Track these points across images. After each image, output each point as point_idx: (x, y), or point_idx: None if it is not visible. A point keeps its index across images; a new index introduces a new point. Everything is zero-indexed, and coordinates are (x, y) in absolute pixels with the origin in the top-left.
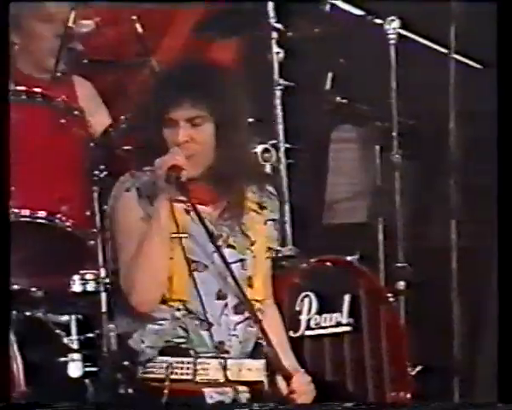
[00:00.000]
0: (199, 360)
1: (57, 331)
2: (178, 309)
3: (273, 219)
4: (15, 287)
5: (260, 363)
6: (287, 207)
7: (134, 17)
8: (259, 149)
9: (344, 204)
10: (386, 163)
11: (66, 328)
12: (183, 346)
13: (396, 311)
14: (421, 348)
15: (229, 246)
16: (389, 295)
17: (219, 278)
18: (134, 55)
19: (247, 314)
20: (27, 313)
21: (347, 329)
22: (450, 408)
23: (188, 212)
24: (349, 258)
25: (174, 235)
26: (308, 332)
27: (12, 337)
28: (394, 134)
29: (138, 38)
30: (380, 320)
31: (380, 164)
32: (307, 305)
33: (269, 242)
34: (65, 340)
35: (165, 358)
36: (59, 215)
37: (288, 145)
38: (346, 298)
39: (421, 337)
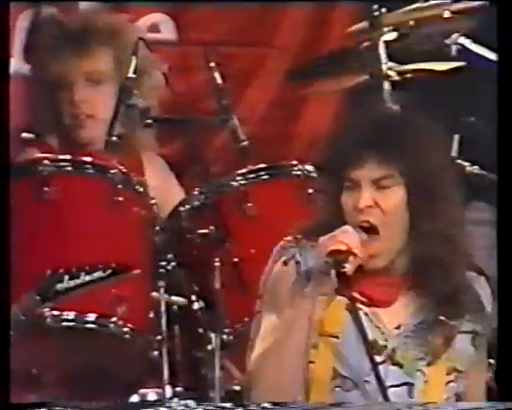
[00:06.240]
0: None
1: None
2: None
3: (471, 332)
4: None
5: None
6: None
7: (212, 64)
8: None
9: None
10: None
11: None
12: None
13: None
14: None
15: (396, 364)
16: None
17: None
18: (211, 113)
19: None
20: None
21: None
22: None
23: (352, 308)
24: None
25: (324, 333)
26: None
27: None
28: None
29: (217, 90)
30: None
31: None
32: None
33: (456, 362)
34: None
35: None
36: (114, 318)
37: None
38: None
39: None
